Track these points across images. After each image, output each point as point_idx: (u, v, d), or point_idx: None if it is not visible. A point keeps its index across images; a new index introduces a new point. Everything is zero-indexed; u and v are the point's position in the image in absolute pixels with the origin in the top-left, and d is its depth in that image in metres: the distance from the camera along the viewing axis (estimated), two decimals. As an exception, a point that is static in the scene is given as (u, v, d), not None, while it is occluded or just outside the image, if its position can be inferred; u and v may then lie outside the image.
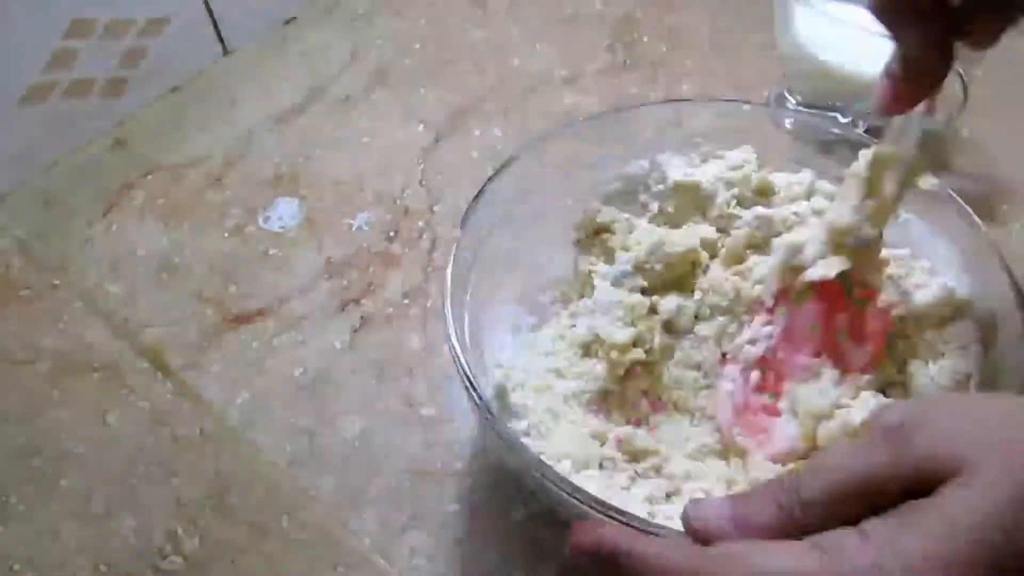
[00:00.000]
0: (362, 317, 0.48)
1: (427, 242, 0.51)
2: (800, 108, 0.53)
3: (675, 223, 0.43)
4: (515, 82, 0.60)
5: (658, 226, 0.43)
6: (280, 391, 0.45)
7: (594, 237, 0.43)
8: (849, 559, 0.23)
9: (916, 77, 0.33)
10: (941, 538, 0.22)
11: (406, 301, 0.48)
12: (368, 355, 0.46)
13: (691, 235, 0.42)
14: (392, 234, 0.52)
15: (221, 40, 0.62)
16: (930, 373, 0.37)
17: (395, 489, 0.41)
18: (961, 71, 0.50)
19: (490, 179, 0.40)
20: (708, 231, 0.42)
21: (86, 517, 0.40)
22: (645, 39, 0.64)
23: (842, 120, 0.44)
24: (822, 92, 0.50)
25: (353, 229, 0.52)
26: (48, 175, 0.56)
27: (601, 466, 0.36)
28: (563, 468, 0.34)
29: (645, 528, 0.30)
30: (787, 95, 0.53)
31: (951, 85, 0.51)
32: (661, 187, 0.43)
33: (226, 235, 0.52)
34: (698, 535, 0.26)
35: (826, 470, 0.25)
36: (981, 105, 0.53)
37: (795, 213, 0.42)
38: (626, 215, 0.43)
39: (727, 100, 0.45)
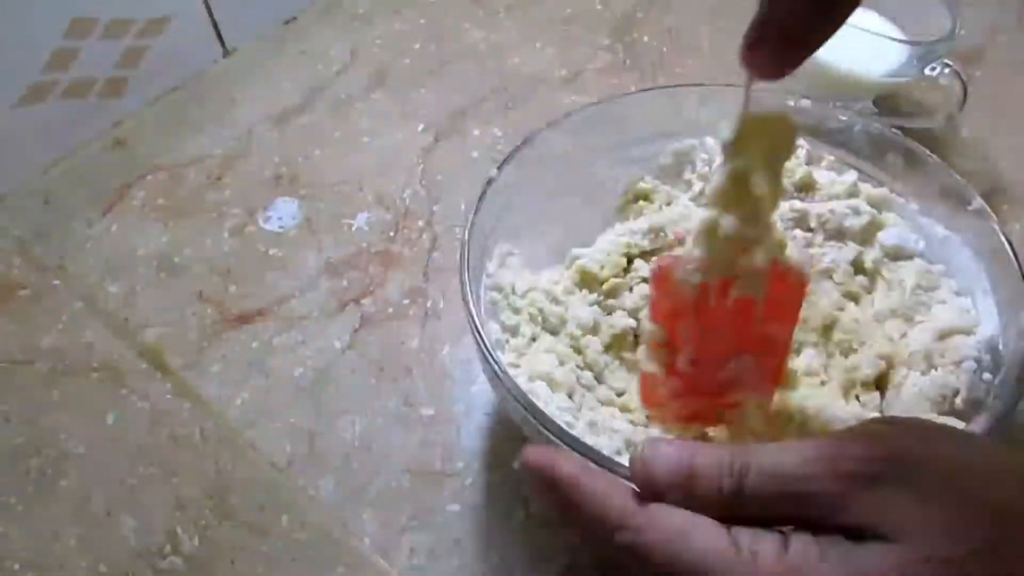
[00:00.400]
0: (362, 317, 0.48)
1: (427, 242, 0.51)
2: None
3: None
4: (515, 82, 0.60)
5: (697, 205, 0.43)
6: (280, 391, 0.45)
7: (632, 204, 0.44)
8: (762, 566, 0.24)
9: (789, 35, 0.30)
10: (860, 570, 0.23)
11: (406, 301, 0.48)
12: (368, 355, 0.46)
13: None
14: (392, 234, 0.52)
15: (221, 40, 0.62)
16: (918, 384, 0.37)
17: (395, 489, 0.41)
18: (960, 71, 0.50)
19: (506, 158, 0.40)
20: None
21: (86, 517, 0.40)
22: (645, 39, 0.64)
23: (840, 117, 0.44)
24: (821, 92, 0.50)
25: (353, 229, 0.52)
26: (48, 175, 0.56)
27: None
28: (539, 390, 0.35)
29: (599, 461, 0.30)
30: (786, 95, 0.53)
31: (951, 85, 0.51)
32: (706, 168, 0.44)
33: (226, 235, 0.52)
34: (640, 480, 0.27)
35: (776, 476, 0.25)
36: (980, 105, 0.53)
37: (832, 211, 0.42)
38: (667, 187, 0.44)
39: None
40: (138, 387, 0.45)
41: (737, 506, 0.25)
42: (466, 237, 0.37)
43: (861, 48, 0.49)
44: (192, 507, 0.40)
